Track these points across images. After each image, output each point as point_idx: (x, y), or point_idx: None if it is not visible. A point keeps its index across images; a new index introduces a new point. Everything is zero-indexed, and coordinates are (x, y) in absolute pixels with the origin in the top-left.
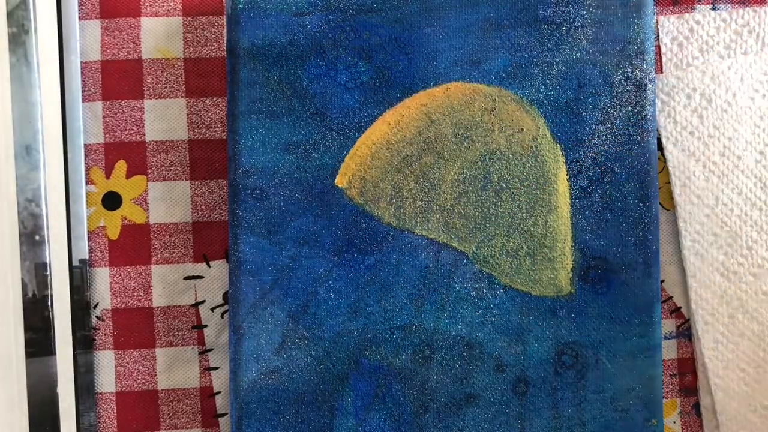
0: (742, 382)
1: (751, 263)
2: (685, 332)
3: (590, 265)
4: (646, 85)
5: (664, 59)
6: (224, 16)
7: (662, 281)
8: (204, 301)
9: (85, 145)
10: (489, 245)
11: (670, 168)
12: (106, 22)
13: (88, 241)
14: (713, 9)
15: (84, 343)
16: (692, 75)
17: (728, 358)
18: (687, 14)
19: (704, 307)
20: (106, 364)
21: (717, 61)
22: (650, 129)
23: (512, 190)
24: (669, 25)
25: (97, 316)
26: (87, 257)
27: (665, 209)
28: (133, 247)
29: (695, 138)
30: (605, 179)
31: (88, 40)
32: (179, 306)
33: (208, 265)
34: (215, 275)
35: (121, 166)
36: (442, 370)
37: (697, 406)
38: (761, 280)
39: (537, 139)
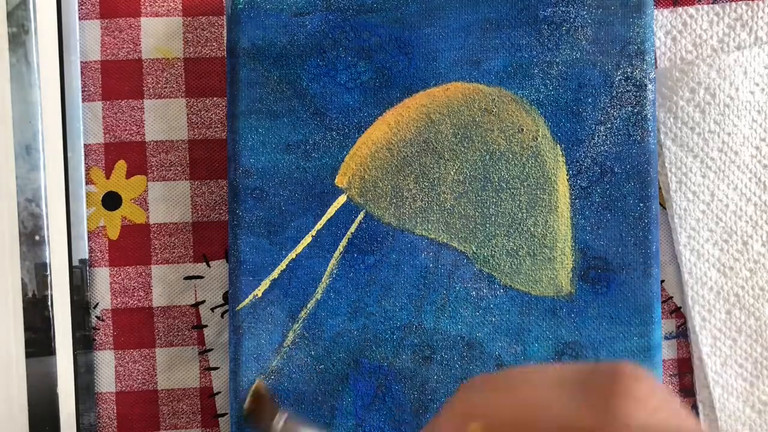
0: (740, 377)
1: (747, 258)
2: (686, 332)
3: (590, 265)
4: (646, 85)
5: (658, 53)
6: (224, 16)
7: (662, 281)
8: (204, 301)
9: (85, 145)
10: (489, 245)
11: (667, 164)
12: (106, 22)
13: (88, 241)
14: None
15: (84, 343)
16: (698, 69)
17: (726, 354)
18: (680, 8)
19: (701, 303)
20: (106, 364)
21: (724, 55)
22: (650, 129)
23: (512, 190)
24: (663, 19)
25: (97, 316)
26: (87, 257)
27: (663, 208)
28: (133, 247)
29: (695, 134)
30: (605, 179)
31: (88, 40)
32: (179, 306)
33: (208, 265)
34: (215, 275)
35: (121, 166)
36: (442, 370)
37: (696, 405)
38: (757, 276)
39: (537, 139)
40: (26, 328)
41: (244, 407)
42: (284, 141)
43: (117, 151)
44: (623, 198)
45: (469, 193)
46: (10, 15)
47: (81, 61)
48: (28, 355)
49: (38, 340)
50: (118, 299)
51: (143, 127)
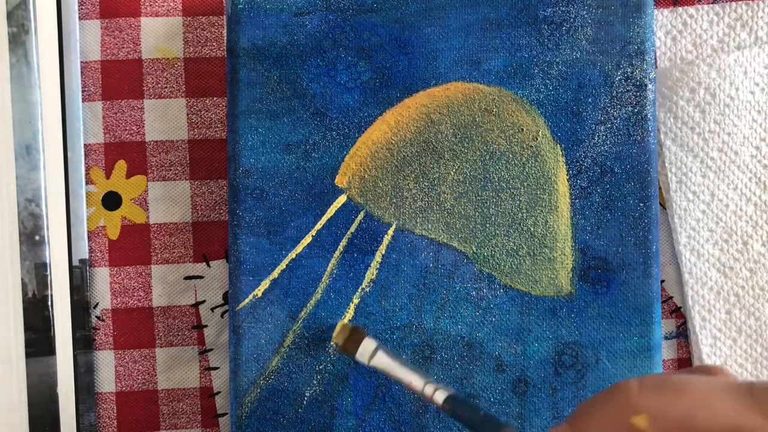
0: (740, 378)
1: (747, 258)
2: (686, 332)
3: (590, 265)
4: (646, 85)
5: (658, 53)
6: (224, 16)
7: (662, 281)
8: (204, 301)
9: (85, 145)
10: (489, 245)
11: (667, 164)
12: (106, 22)
13: (88, 241)
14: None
15: (84, 343)
16: (698, 69)
17: (726, 354)
18: (680, 8)
19: (701, 303)
20: (106, 364)
21: (724, 55)
22: (650, 129)
23: (512, 190)
24: (663, 19)
25: (97, 316)
26: (87, 257)
27: (663, 208)
28: (133, 247)
29: (695, 134)
30: (605, 179)
31: (88, 40)
32: (179, 306)
33: (208, 265)
34: (215, 275)
35: (121, 166)
36: (442, 370)
37: None
38: (757, 275)
39: (537, 139)
40: (26, 328)
41: (333, 339)
42: (284, 141)
43: (117, 151)
44: (623, 198)
45: (469, 193)
46: (10, 15)
47: (81, 61)
48: (28, 355)
49: (38, 340)
50: (118, 299)
51: (143, 127)
